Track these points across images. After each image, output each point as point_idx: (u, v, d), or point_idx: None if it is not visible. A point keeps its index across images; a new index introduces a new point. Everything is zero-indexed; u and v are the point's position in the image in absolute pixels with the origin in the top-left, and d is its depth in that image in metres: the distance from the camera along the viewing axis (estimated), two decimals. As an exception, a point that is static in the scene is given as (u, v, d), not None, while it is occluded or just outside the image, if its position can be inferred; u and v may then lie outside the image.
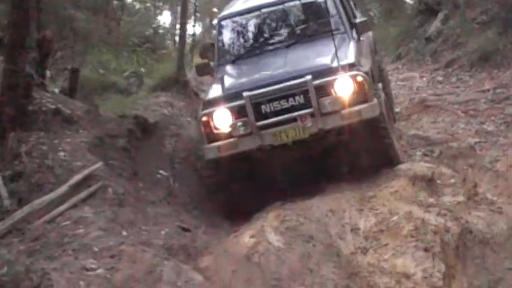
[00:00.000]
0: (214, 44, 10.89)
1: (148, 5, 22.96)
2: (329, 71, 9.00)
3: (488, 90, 14.00)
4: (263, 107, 9.03)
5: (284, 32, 10.58)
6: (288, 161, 9.61)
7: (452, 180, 9.60)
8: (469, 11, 19.11)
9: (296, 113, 8.96)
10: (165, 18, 30.14)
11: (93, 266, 6.70)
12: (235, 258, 7.42)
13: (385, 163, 9.45)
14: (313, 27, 10.48)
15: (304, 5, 10.58)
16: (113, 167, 9.24)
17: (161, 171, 10.18)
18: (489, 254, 7.85)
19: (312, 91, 8.88)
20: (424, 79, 17.43)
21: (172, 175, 10.26)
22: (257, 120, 9.00)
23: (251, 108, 8.99)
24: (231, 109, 9.10)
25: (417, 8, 23.64)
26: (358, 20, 10.56)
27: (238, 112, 9.09)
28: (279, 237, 7.65)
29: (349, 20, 10.51)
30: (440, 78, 16.98)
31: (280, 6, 10.65)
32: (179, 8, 22.82)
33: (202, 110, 9.33)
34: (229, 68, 10.27)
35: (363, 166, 9.58)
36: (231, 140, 9.12)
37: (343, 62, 8.98)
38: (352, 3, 11.79)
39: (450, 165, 10.11)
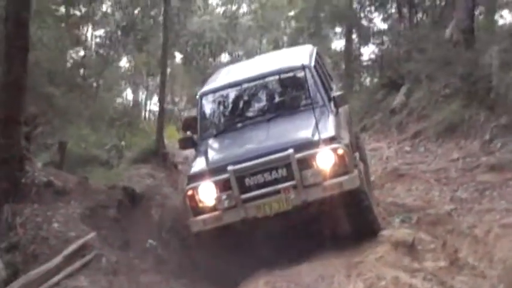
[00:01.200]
0: (196, 118, 11.01)
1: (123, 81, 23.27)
2: (311, 144, 9.14)
3: (457, 159, 14.36)
4: (247, 180, 9.12)
5: (264, 105, 10.73)
6: (271, 230, 9.68)
7: (432, 246, 9.86)
8: (432, 85, 19.65)
9: (279, 186, 9.07)
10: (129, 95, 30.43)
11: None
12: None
13: (365, 230, 9.65)
14: (292, 100, 10.63)
15: (283, 79, 10.73)
16: (105, 236, 9.44)
17: (150, 240, 10.36)
18: (475, 319, 8.06)
19: (295, 164, 8.99)
20: (392, 149, 17.82)
21: (160, 244, 10.43)
22: (241, 193, 9.09)
23: (235, 182, 9.06)
24: (216, 183, 9.18)
25: (380, 83, 24.25)
26: (336, 94, 10.67)
27: (223, 185, 9.16)
28: (272, 304, 7.86)
29: (327, 93, 10.64)
30: (408, 149, 17.39)
31: (260, 81, 10.81)
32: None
33: (188, 184, 9.41)
34: (212, 142, 10.34)
35: (344, 233, 9.79)
36: (216, 213, 9.19)
37: (324, 136, 9.15)
38: (328, 76, 11.98)
39: (429, 232, 10.35)
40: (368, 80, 30.67)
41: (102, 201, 10.37)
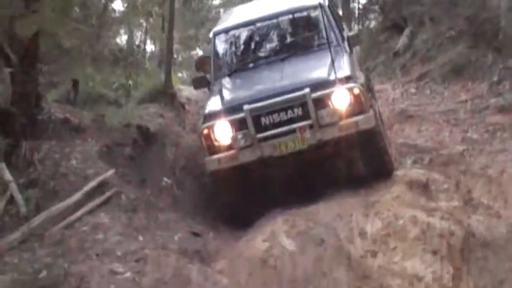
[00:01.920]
0: (209, 58, 11.00)
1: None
2: (327, 83, 9.14)
3: (466, 101, 14.33)
4: (263, 119, 9.14)
5: (279, 45, 10.69)
6: (287, 170, 9.79)
7: (446, 186, 9.94)
8: (436, 27, 19.52)
9: (295, 125, 9.09)
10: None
11: (120, 269, 6.92)
12: (251, 262, 7.68)
13: (380, 170, 9.72)
14: (307, 40, 10.62)
15: (297, 18, 10.74)
16: (122, 174, 9.46)
17: (165, 179, 10.40)
18: (491, 256, 8.07)
19: (311, 104, 9.02)
20: (397, 91, 17.72)
21: (175, 182, 10.46)
22: (257, 132, 9.12)
23: (251, 121, 9.10)
24: (232, 121, 9.20)
25: (382, 25, 24.07)
26: (350, 34, 10.78)
27: (239, 124, 9.19)
28: (291, 241, 7.91)
29: (341, 33, 10.66)
30: (413, 91, 17.31)
31: (274, 20, 10.75)
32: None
33: (203, 122, 9.42)
34: (226, 81, 10.33)
35: (359, 173, 9.93)
36: (232, 152, 9.21)
37: (340, 75, 9.12)
38: (339, 16, 12.08)
39: (442, 172, 10.41)
40: (367, 23, 30.26)
41: (118, 139, 10.38)
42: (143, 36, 25.68)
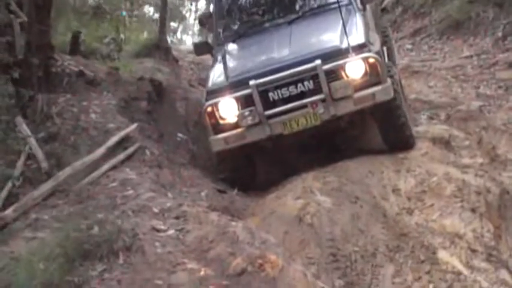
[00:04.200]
0: (212, 14, 10.39)
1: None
2: (339, 53, 8.47)
3: (471, 56, 14.22)
4: (270, 94, 8.55)
5: (285, 6, 9.85)
6: (298, 144, 9.38)
7: (467, 143, 9.79)
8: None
9: (306, 100, 8.50)
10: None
11: (162, 227, 6.63)
12: (285, 219, 7.38)
13: (400, 145, 9.12)
14: (315, 0, 9.80)
15: None
16: (142, 129, 9.13)
17: (179, 134, 10.13)
18: (525, 213, 8.04)
19: (322, 76, 8.38)
20: (392, 47, 17.56)
21: (190, 138, 10.18)
22: (265, 108, 8.54)
23: (258, 97, 8.51)
24: (237, 98, 8.64)
25: (370, -20, 23.75)
26: None
27: (245, 101, 8.62)
28: (326, 198, 7.67)
29: None
30: (409, 46, 17.16)
31: None
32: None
33: (206, 99, 8.86)
34: (230, 48, 9.66)
35: (377, 147, 9.30)
36: (238, 130, 8.68)
37: (353, 42, 8.44)
38: None
39: (461, 128, 10.24)
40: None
41: (133, 92, 10.06)
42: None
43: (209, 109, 8.74)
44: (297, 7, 9.81)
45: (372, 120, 9.19)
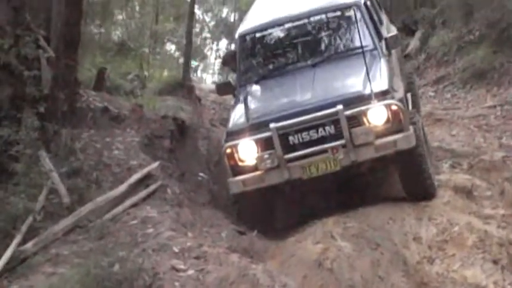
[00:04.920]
0: (236, 53, 10.17)
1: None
2: (361, 99, 8.36)
3: (494, 106, 14.17)
4: (291, 138, 8.42)
5: (310, 48, 9.72)
6: (317, 189, 9.24)
7: (489, 193, 9.65)
8: (451, 31, 19.33)
9: (327, 145, 8.36)
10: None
11: (181, 266, 6.63)
12: (305, 263, 7.33)
13: (420, 194, 8.89)
14: (340, 43, 9.68)
15: (330, 18, 9.79)
16: (164, 167, 9.15)
17: (201, 174, 10.14)
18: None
19: (344, 121, 8.25)
20: (415, 94, 17.55)
21: (211, 178, 10.18)
22: (285, 152, 8.39)
23: (278, 141, 8.36)
24: (257, 141, 8.48)
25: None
26: (389, 35, 9.74)
27: (265, 144, 8.47)
28: (347, 244, 7.63)
29: (378, 34, 9.73)
30: (432, 94, 17.13)
31: (306, 20, 9.82)
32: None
33: (226, 140, 8.72)
34: (252, 90, 9.41)
35: (397, 195, 9.11)
36: (257, 173, 8.52)
37: (376, 88, 8.34)
38: (378, 13, 10.92)
39: (483, 178, 10.13)
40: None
41: (156, 130, 10.11)
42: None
43: (228, 150, 8.62)
44: (322, 50, 9.66)
45: (392, 167, 9.09)
